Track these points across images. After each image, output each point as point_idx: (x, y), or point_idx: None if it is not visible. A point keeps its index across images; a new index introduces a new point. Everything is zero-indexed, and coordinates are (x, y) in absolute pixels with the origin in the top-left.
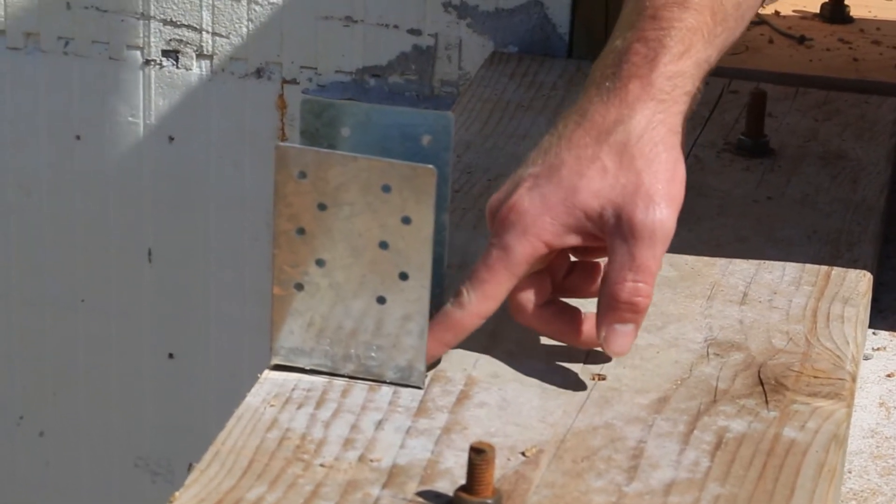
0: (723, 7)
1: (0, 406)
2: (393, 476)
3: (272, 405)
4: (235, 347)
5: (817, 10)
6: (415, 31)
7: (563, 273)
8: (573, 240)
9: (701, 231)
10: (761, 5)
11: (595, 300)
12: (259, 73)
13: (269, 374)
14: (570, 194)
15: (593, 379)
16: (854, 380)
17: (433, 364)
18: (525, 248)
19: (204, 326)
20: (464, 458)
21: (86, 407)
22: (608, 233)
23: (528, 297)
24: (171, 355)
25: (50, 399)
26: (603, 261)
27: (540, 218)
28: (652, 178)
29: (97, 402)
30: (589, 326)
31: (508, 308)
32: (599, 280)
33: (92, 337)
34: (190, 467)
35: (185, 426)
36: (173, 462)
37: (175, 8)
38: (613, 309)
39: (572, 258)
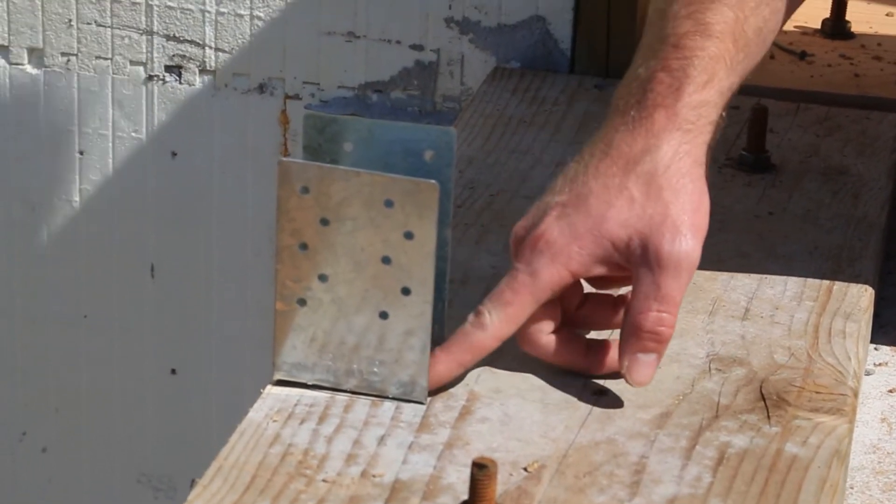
0: (744, 34)
1: (2, 422)
2: (395, 491)
3: (275, 420)
4: (238, 363)
5: (818, 26)
6: (417, 47)
7: (575, 304)
8: (599, 269)
9: (703, 246)
10: (781, 29)
11: (602, 332)
12: (262, 88)
13: (271, 390)
14: (598, 224)
15: (595, 394)
16: (856, 395)
17: (449, 384)
18: (552, 276)
19: (206, 342)
20: (466, 473)
21: (88, 423)
22: (634, 263)
23: (538, 327)
24: (173, 371)
25: (52, 415)
26: (616, 292)
27: (568, 247)
28: (679, 210)
29: (100, 417)
30: (596, 354)
31: (517, 338)
32: (612, 312)
33: (94, 352)
34: (192, 483)
35: (188, 442)
36: (176, 478)
37: (178, 23)
38: (637, 338)
39: (587, 291)
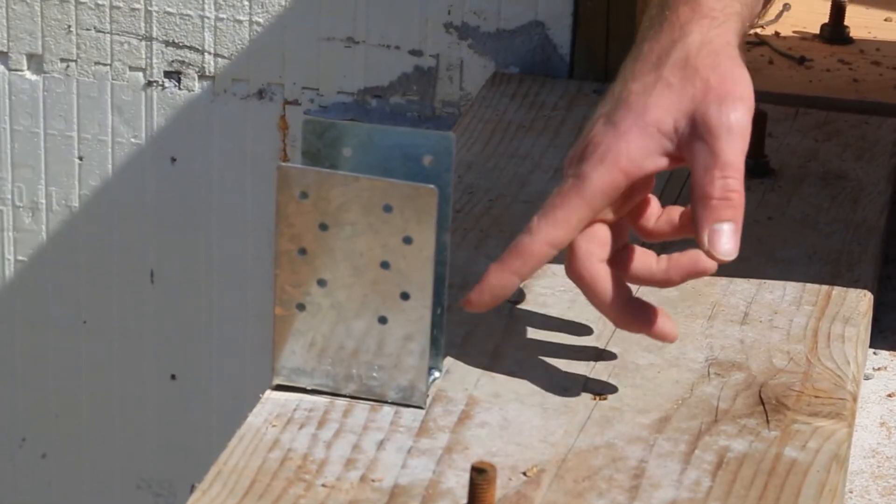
0: None
1: (2, 428)
2: (394, 496)
3: (274, 425)
4: (238, 368)
5: (817, 31)
6: (416, 52)
7: (621, 243)
8: (651, 163)
9: None
10: None
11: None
12: (261, 94)
13: (270, 395)
14: (641, 115)
15: (594, 399)
16: (855, 399)
17: (511, 299)
18: (602, 176)
19: (206, 347)
20: (465, 477)
21: (88, 428)
22: (685, 143)
23: (589, 249)
24: (173, 376)
25: (52, 421)
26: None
27: (615, 144)
28: (719, 80)
29: (99, 423)
30: (636, 307)
31: (565, 261)
32: (653, 263)
33: (94, 358)
34: (192, 488)
35: (188, 447)
36: (176, 483)
37: (177, 29)
38: (709, 208)
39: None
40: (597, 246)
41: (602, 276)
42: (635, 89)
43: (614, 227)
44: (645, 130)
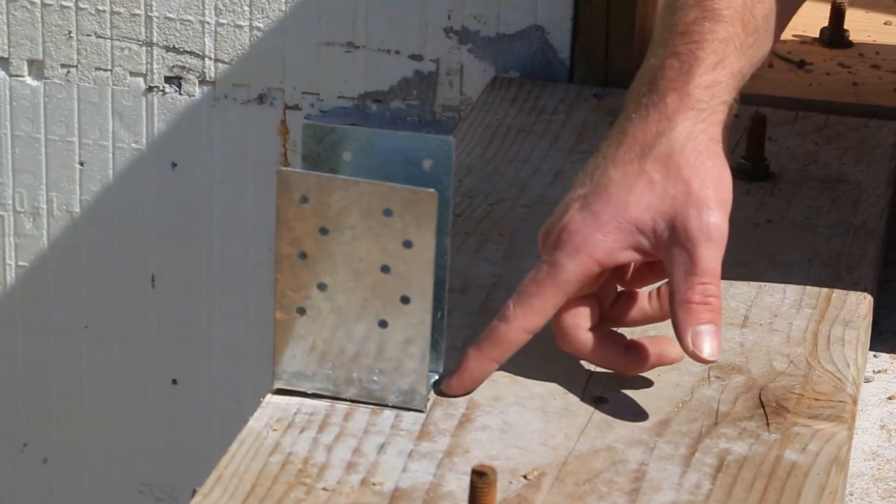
0: (753, 19)
1: (3, 433)
2: (395, 499)
3: (275, 429)
4: (239, 373)
5: (817, 35)
6: (416, 57)
7: (609, 301)
8: (625, 256)
9: None
10: (789, 20)
11: (635, 329)
12: (261, 99)
13: (271, 399)
14: (621, 211)
15: (595, 402)
16: (855, 402)
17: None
18: (577, 267)
19: (207, 352)
20: (466, 481)
21: (89, 433)
22: (663, 245)
23: (575, 322)
24: (174, 381)
25: (53, 426)
26: (648, 288)
27: (592, 236)
28: (700, 185)
29: (101, 428)
30: (635, 352)
31: (554, 335)
32: (647, 308)
33: (95, 363)
34: (194, 493)
35: (189, 452)
36: (177, 488)
37: (178, 34)
38: (689, 312)
39: (619, 288)
40: (581, 318)
41: (591, 343)
42: (615, 178)
43: (599, 290)
44: (623, 227)
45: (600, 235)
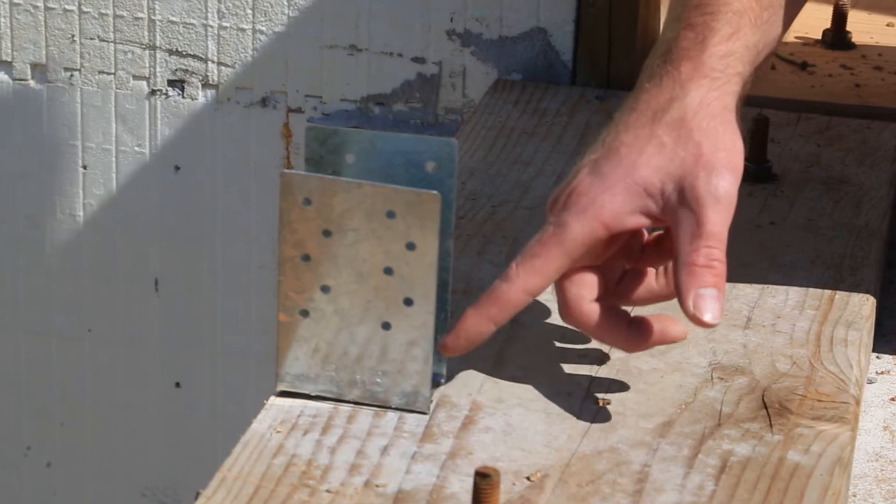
0: None
1: (7, 437)
2: (399, 501)
3: (278, 431)
4: (242, 376)
5: (819, 37)
6: (419, 60)
7: (616, 278)
8: (633, 220)
9: None
10: (800, 10)
11: (642, 308)
12: (264, 102)
13: (274, 401)
14: (630, 172)
15: (598, 403)
16: (858, 403)
17: (480, 344)
18: (583, 228)
19: (211, 355)
20: (469, 482)
21: (93, 437)
22: (671, 208)
23: (579, 293)
24: (177, 384)
25: (57, 429)
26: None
27: (599, 197)
28: (711, 149)
29: (104, 431)
30: (638, 329)
31: (557, 306)
32: (654, 286)
33: (99, 367)
34: (197, 496)
35: (193, 455)
36: (181, 491)
37: (180, 38)
38: (693, 274)
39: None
40: (585, 289)
41: (595, 315)
42: (626, 141)
43: (605, 264)
44: (631, 188)
45: (608, 196)
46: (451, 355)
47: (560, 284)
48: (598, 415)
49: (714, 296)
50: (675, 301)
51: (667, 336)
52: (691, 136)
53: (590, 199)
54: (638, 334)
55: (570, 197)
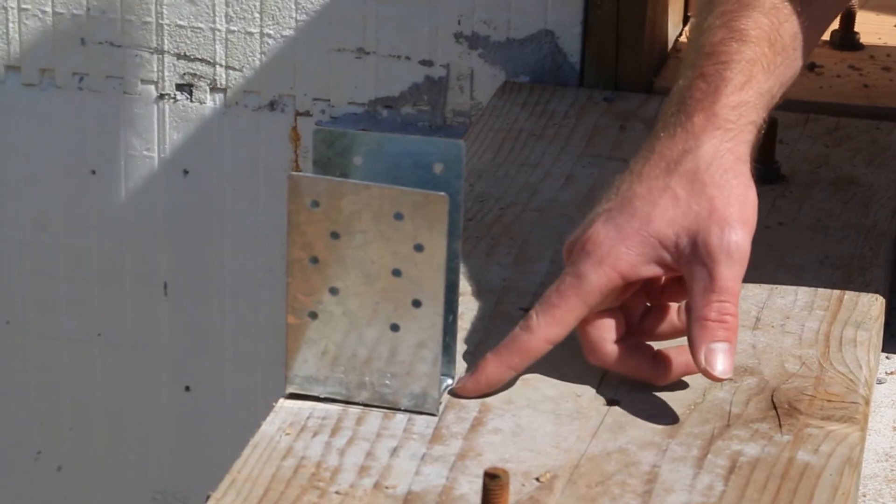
0: (780, 38)
1: (17, 441)
2: (408, 503)
3: (287, 433)
4: (252, 379)
5: (827, 38)
6: (426, 62)
7: (638, 315)
8: (648, 270)
9: None
10: (819, 38)
11: (664, 344)
12: (272, 105)
13: (284, 403)
14: (644, 224)
15: (607, 404)
16: (867, 403)
17: (498, 390)
18: (600, 278)
19: (220, 359)
20: (478, 484)
21: (103, 441)
22: (684, 261)
23: (601, 335)
24: (187, 388)
25: (67, 433)
26: (678, 303)
27: (615, 248)
28: (724, 203)
29: (114, 435)
30: (662, 362)
31: (582, 349)
32: (676, 322)
33: (108, 371)
34: (207, 499)
35: (202, 459)
36: (190, 494)
37: (189, 42)
38: (705, 329)
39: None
40: (606, 331)
41: (618, 354)
42: (640, 193)
43: (626, 303)
44: (646, 240)
45: (623, 248)
46: (468, 397)
47: (581, 329)
48: (607, 416)
49: (725, 349)
50: None
51: (691, 367)
52: (704, 190)
53: (606, 251)
54: (663, 367)
55: (585, 247)
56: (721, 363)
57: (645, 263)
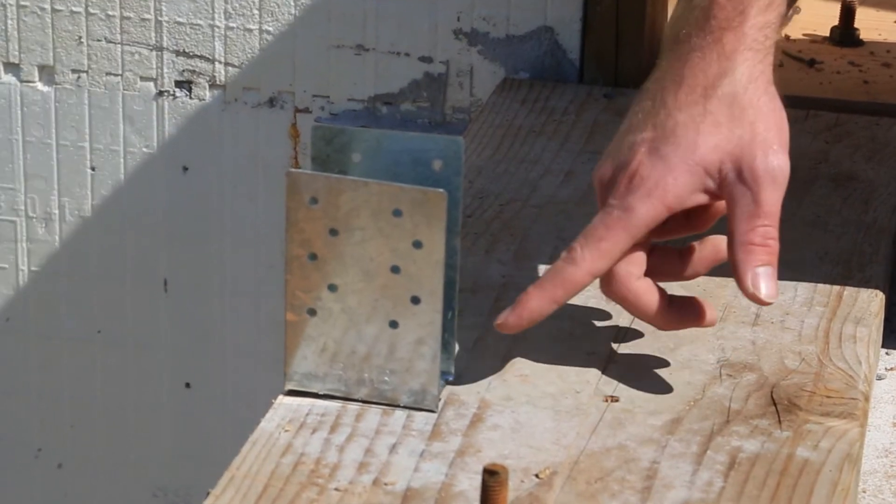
0: None
1: (18, 438)
2: (407, 499)
3: (286, 430)
4: (253, 375)
5: (827, 34)
6: (426, 59)
7: (646, 254)
8: (693, 200)
9: None
10: None
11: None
12: (272, 102)
13: (283, 400)
14: (690, 153)
15: (606, 401)
16: (867, 399)
17: (539, 322)
18: (648, 211)
19: (220, 355)
20: (477, 480)
21: (103, 438)
22: (728, 185)
23: (629, 270)
24: (187, 385)
25: (67, 431)
26: (678, 245)
27: (662, 180)
28: (764, 127)
29: (115, 433)
30: (679, 306)
31: (601, 282)
32: (679, 263)
33: (109, 368)
34: (208, 496)
35: (203, 456)
36: (191, 492)
37: (188, 39)
38: (751, 253)
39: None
40: (635, 266)
41: (643, 291)
42: (681, 121)
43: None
44: (692, 169)
45: (671, 179)
46: (509, 332)
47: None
48: (607, 412)
49: (770, 273)
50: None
51: (702, 318)
52: (745, 115)
53: (654, 182)
54: (676, 312)
55: (633, 179)
56: (767, 287)
57: (690, 193)
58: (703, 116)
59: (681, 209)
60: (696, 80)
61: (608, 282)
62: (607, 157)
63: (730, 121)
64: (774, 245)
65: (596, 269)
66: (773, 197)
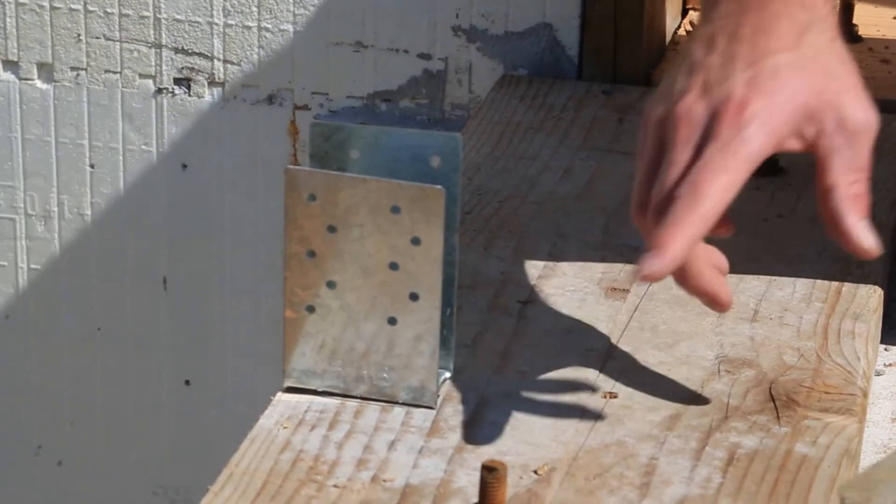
0: None
1: (18, 436)
2: (406, 496)
3: (285, 427)
4: (252, 374)
5: None
6: (425, 56)
7: None
8: (790, 144)
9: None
10: None
11: None
12: (271, 99)
13: (281, 397)
14: (797, 95)
15: (605, 397)
16: (865, 395)
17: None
18: (763, 145)
19: (220, 353)
20: (476, 476)
21: (103, 436)
22: (827, 136)
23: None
24: (187, 382)
25: (67, 428)
26: None
27: (775, 116)
28: (856, 80)
29: (115, 430)
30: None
31: (674, 275)
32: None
33: (108, 365)
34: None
35: (203, 453)
36: (191, 489)
37: (186, 36)
38: (854, 205)
39: None
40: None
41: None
42: (784, 62)
43: None
44: (799, 111)
45: (781, 117)
46: (653, 281)
47: None
48: (605, 408)
49: (868, 225)
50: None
51: (720, 291)
52: (842, 65)
53: (768, 116)
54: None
55: (744, 110)
56: (871, 238)
57: (790, 135)
58: (803, 62)
59: (781, 150)
60: (782, 26)
61: (683, 277)
62: (662, 98)
63: (825, 71)
64: (866, 199)
65: (723, 203)
66: (868, 150)
